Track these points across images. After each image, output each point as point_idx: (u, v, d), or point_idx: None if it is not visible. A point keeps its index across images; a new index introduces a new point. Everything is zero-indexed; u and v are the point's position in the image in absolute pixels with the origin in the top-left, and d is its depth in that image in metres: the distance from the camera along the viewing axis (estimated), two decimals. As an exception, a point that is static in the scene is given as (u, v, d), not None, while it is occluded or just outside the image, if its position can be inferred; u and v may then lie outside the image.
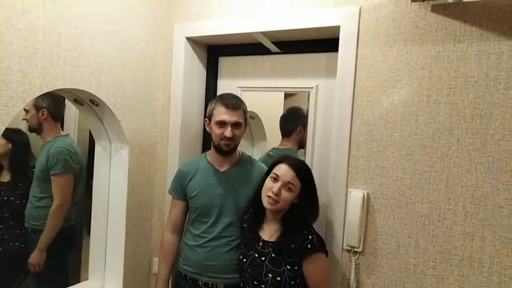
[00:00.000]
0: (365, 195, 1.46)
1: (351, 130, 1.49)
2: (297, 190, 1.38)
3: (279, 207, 1.38)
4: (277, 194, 1.35)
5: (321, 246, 1.36)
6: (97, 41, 1.59)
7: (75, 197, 2.35)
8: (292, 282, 1.34)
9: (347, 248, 1.49)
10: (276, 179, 1.38)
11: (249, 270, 1.41)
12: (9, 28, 1.29)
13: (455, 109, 1.32)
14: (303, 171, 1.40)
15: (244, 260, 1.44)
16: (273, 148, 1.92)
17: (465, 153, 1.31)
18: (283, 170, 1.38)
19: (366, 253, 1.47)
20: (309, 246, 1.33)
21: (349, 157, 1.50)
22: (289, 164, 1.39)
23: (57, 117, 2.36)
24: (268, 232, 1.43)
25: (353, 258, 1.48)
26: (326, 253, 1.39)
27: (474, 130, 1.30)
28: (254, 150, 2.03)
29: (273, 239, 1.41)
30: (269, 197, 1.36)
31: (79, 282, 1.97)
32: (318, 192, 1.46)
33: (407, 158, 1.40)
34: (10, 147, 2.44)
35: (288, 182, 1.36)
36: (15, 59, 1.32)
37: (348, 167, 1.50)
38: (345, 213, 1.50)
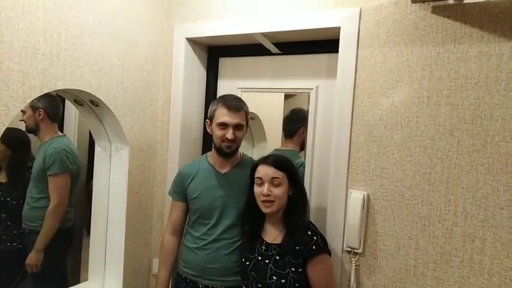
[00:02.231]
0: (365, 197, 1.45)
1: (351, 131, 1.49)
2: (285, 181, 1.39)
3: (277, 206, 1.38)
4: (269, 194, 1.36)
5: (325, 247, 1.37)
6: (97, 42, 1.59)
7: (72, 198, 2.35)
8: (296, 285, 1.34)
9: (347, 249, 1.49)
10: (260, 183, 1.39)
11: (252, 273, 1.41)
12: (9, 28, 1.29)
13: (456, 110, 1.32)
14: (280, 162, 1.42)
15: (247, 263, 1.44)
16: (276, 149, 1.92)
17: (465, 155, 1.31)
18: (262, 170, 1.40)
19: (366, 254, 1.47)
20: (313, 247, 1.34)
21: (349, 158, 1.50)
22: (265, 163, 1.41)
23: (54, 117, 2.35)
24: (271, 234, 1.43)
25: (353, 259, 1.47)
26: (329, 253, 1.39)
27: (474, 131, 1.30)
28: (254, 151, 2.02)
29: (277, 242, 1.41)
30: (263, 201, 1.37)
31: (79, 282, 1.97)
32: (318, 193, 1.46)
33: (407, 159, 1.40)
34: (10, 153, 2.43)
35: (272, 177, 1.38)
36: (16, 59, 1.32)
37: (348, 168, 1.50)
38: (345, 214, 1.49)
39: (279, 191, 1.38)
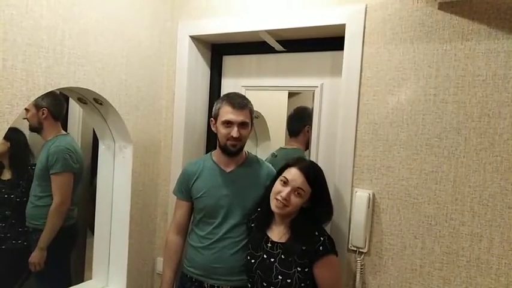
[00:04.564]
0: (370, 195, 1.44)
1: (356, 129, 1.48)
2: (307, 195, 1.36)
3: (288, 212, 1.36)
4: (286, 199, 1.33)
5: (332, 248, 1.34)
6: (101, 40, 1.58)
7: (75, 196, 2.35)
8: (302, 285, 1.33)
9: (352, 248, 1.48)
10: (285, 182, 1.35)
11: (257, 271, 1.40)
12: (13, 26, 1.29)
13: (463, 108, 1.31)
14: (313, 176, 1.37)
15: (253, 261, 1.43)
16: (280, 148, 1.91)
17: (473, 153, 1.30)
18: (293, 174, 1.35)
19: (371, 254, 1.46)
20: (320, 248, 1.32)
21: (354, 157, 1.48)
22: (300, 169, 1.35)
23: (58, 116, 2.36)
24: (278, 233, 1.42)
25: (358, 258, 1.46)
26: (337, 254, 1.37)
27: (482, 129, 1.28)
28: (258, 150, 2.01)
29: (282, 240, 1.39)
30: (277, 200, 1.34)
31: (83, 281, 1.97)
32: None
33: (413, 157, 1.39)
34: (9, 145, 2.44)
35: (298, 187, 1.34)
36: (20, 57, 1.31)
37: (354, 166, 1.49)
38: (350, 213, 1.48)
39: (297, 201, 1.34)
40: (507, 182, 1.25)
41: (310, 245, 1.33)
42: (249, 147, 1.84)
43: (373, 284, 1.46)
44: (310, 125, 1.76)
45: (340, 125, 1.52)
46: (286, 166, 1.40)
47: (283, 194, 1.33)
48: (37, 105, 2.28)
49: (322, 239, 1.33)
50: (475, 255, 1.30)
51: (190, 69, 1.88)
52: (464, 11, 1.30)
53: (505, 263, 1.25)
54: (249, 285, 1.45)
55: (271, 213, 1.44)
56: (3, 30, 1.26)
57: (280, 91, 1.89)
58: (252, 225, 1.51)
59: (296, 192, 1.34)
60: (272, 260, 1.38)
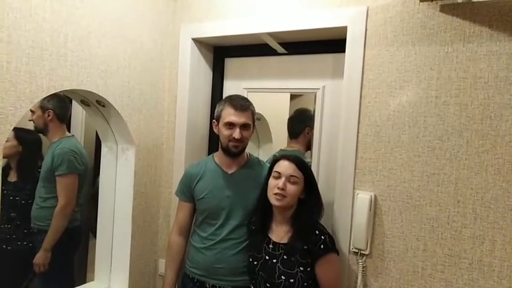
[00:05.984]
0: (372, 198, 1.44)
1: (358, 131, 1.48)
2: (301, 182, 1.39)
3: (288, 203, 1.38)
4: (283, 189, 1.36)
5: (333, 246, 1.37)
6: (104, 42, 1.59)
7: (80, 198, 2.36)
8: (305, 284, 1.34)
9: (354, 250, 1.48)
10: (278, 176, 1.39)
11: (260, 273, 1.40)
12: (17, 29, 1.30)
13: (465, 110, 1.31)
14: (302, 163, 1.42)
15: (255, 262, 1.43)
16: (281, 149, 1.91)
17: (475, 155, 1.29)
18: (283, 165, 1.40)
19: (373, 256, 1.46)
20: (322, 246, 1.33)
21: (356, 159, 1.48)
22: (288, 159, 1.41)
23: (63, 118, 2.37)
24: (279, 234, 1.43)
25: (360, 260, 1.46)
26: (337, 253, 1.39)
27: (484, 132, 1.28)
28: (260, 152, 2.02)
29: (284, 241, 1.40)
30: (276, 194, 1.37)
31: (85, 282, 1.98)
32: (324, 193, 1.46)
33: (415, 159, 1.38)
34: (21, 149, 2.45)
35: (291, 175, 1.38)
36: (23, 60, 1.33)
37: (355, 168, 1.49)
38: (352, 215, 1.48)
39: (293, 189, 1.37)
40: (509, 184, 1.24)
41: (311, 244, 1.34)
42: (251, 149, 1.84)
43: (375, 286, 1.45)
44: (310, 127, 1.76)
45: (341, 127, 1.52)
46: (274, 162, 1.44)
47: (280, 184, 1.36)
48: (43, 107, 2.30)
49: (323, 237, 1.35)
50: (477, 258, 1.29)
51: (192, 71, 1.88)
52: (465, 13, 1.30)
53: (508, 266, 1.25)
54: (252, 287, 1.46)
55: (270, 213, 1.45)
56: (7, 33, 1.28)
57: (282, 93, 1.90)
58: (253, 227, 1.51)
59: (291, 181, 1.38)
60: (274, 260, 1.39)
